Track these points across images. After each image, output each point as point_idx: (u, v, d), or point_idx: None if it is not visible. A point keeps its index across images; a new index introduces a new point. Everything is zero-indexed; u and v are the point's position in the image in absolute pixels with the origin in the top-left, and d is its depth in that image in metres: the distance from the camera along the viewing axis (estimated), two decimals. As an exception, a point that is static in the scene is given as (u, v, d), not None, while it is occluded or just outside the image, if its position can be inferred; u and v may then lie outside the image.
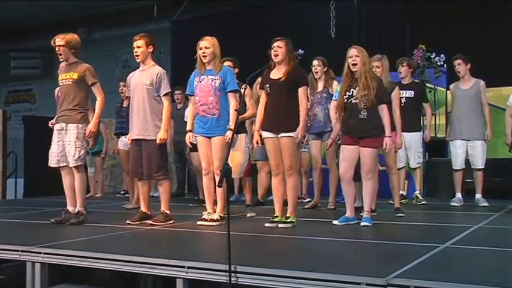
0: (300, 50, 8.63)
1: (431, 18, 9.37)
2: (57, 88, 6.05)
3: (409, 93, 6.76)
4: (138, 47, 5.35)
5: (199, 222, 5.14)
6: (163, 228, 5.08)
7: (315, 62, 6.53)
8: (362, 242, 4.21)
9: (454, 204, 6.68)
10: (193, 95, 5.33)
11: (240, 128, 5.64)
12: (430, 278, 2.81)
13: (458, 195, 6.78)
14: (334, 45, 9.35)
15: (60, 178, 5.55)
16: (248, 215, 5.82)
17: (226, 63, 5.97)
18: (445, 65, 8.24)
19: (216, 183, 4.85)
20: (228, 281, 3.10)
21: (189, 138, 5.38)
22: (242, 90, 5.42)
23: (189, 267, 3.34)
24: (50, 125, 5.75)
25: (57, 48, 5.48)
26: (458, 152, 6.75)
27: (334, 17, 9.71)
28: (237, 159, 5.69)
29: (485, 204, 6.51)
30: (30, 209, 7.13)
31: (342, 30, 9.58)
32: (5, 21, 13.25)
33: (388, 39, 9.49)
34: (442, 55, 8.26)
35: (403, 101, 6.47)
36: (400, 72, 6.86)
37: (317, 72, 6.50)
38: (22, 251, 4.04)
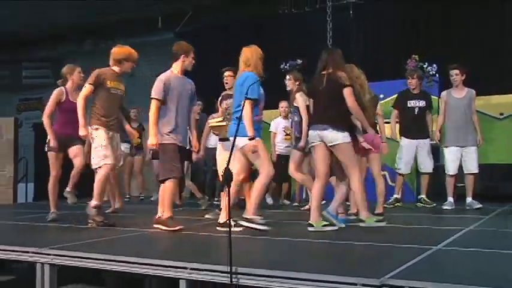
0: (298, 60, 8.66)
1: (423, 30, 9.40)
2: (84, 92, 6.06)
3: (422, 103, 6.94)
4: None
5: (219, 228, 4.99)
6: (168, 231, 5.05)
7: (287, 77, 6.56)
8: (357, 244, 4.19)
9: (446, 207, 6.70)
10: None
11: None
12: (424, 278, 2.81)
13: (450, 199, 6.79)
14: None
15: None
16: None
17: (227, 73, 6.00)
18: (436, 75, 8.27)
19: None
20: (229, 282, 3.09)
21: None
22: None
23: (191, 269, 3.33)
24: (84, 132, 5.41)
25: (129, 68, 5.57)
26: (453, 158, 6.76)
27: (331, 29, 9.75)
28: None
29: (479, 205, 6.52)
30: (40, 212, 7.11)
31: (338, 41, 9.59)
32: (15, 32, 13.29)
33: (383, 50, 9.50)
34: (434, 65, 8.29)
35: (416, 110, 6.77)
36: (411, 83, 6.95)
37: (288, 86, 6.50)
38: (32, 253, 4.05)
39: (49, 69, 15.08)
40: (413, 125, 6.88)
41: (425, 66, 8.38)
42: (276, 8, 10.38)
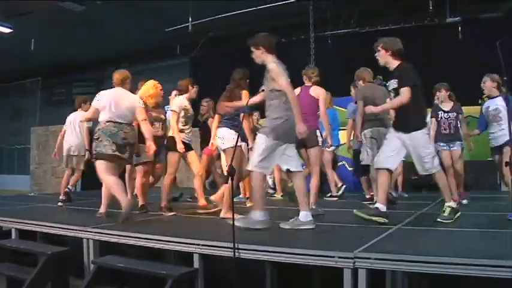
0: (288, 79, 8.57)
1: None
2: None
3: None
4: None
5: None
6: (185, 215, 4.95)
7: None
8: (336, 225, 4.13)
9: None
10: None
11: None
12: (387, 250, 2.80)
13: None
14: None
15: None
16: (248, 205, 5.69)
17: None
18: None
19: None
20: (233, 256, 3.04)
21: None
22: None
23: (203, 245, 3.29)
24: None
25: None
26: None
27: (313, 54, 9.74)
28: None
29: None
30: (86, 199, 7.07)
31: (319, 63, 9.53)
32: (70, 59, 13.37)
33: (354, 71, 9.42)
34: (395, 84, 8.17)
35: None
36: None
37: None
38: (79, 230, 4.07)
39: (93, 87, 15.13)
40: None
41: (387, 84, 8.27)
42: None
